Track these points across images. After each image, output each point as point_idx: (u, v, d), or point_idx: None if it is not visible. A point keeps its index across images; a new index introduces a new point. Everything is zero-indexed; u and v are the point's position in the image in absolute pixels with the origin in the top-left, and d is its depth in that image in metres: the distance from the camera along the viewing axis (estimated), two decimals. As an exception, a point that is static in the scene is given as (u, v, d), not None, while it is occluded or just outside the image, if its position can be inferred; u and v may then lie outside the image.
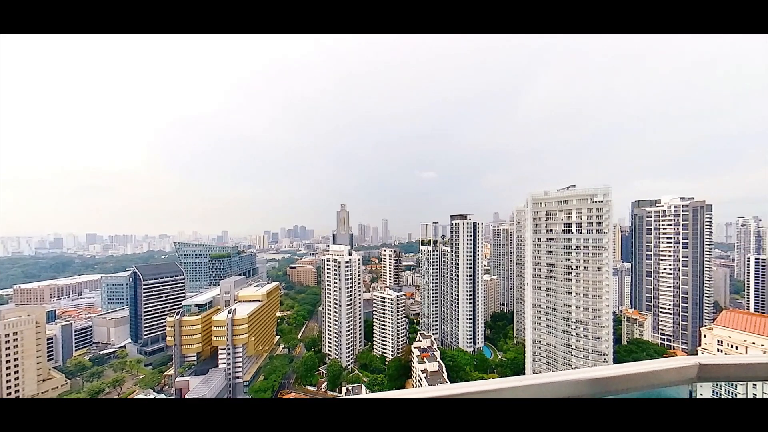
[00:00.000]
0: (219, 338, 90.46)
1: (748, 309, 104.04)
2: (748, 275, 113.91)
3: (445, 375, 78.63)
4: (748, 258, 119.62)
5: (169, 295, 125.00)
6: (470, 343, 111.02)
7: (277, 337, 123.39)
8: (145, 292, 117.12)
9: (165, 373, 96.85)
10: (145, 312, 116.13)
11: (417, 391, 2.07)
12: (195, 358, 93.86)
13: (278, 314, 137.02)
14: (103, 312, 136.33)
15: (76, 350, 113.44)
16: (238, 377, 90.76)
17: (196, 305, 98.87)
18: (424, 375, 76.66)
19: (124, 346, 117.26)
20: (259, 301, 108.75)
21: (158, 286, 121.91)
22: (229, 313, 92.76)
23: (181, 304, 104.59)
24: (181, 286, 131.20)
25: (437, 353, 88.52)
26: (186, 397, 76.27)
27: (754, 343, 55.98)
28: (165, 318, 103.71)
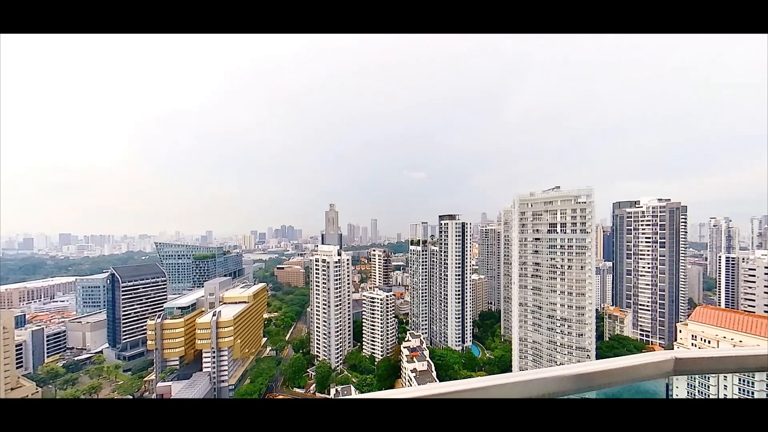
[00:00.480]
0: (203, 341, 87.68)
1: (719, 305, 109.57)
2: (720, 273, 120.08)
3: (434, 374, 79.01)
4: (720, 257, 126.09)
5: (150, 298, 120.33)
6: (459, 341, 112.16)
7: (264, 339, 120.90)
8: (123, 295, 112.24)
9: (145, 379, 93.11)
10: (124, 315, 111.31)
11: (406, 390, 2.06)
12: (177, 363, 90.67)
13: (265, 316, 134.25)
14: (78, 316, 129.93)
15: (48, 356, 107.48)
16: (223, 381, 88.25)
17: (179, 308, 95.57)
18: (414, 374, 76.82)
19: (101, 352, 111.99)
20: (245, 302, 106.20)
21: (138, 289, 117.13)
22: (213, 315, 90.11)
23: (162, 306, 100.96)
24: (163, 288, 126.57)
25: (426, 352, 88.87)
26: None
27: (725, 338, 58.80)
28: (145, 321, 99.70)
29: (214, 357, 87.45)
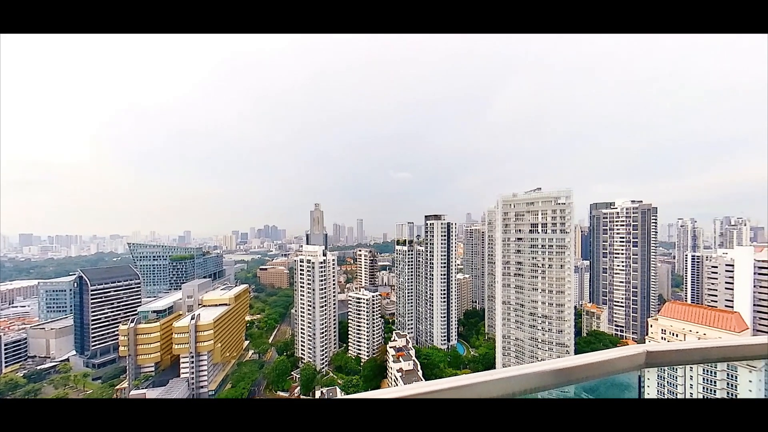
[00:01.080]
0: (181, 346, 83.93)
1: (686, 301, 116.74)
2: (686, 270, 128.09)
3: (420, 373, 79.40)
4: (686, 255, 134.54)
5: (122, 301, 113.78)
6: (444, 340, 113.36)
7: (247, 342, 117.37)
8: (93, 299, 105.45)
9: (117, 387, 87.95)
10: (93, 320, 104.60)
11: (392, 390, 2.09)
12: (153, 369, 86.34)
13: (247, 318, 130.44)
14: (41, 322, 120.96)
15: (6, 366, 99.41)
16: (202, 387, 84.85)
17: (154, 311, 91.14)
18: (400, 374, 76.83)
19: (68, 360, 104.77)
20: (226, 305, 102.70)
21: (109, 292, 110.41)
22: (192, 318, 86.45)
23: (136, 310, 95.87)
24: (137, 291, 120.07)
25: (412, 352, 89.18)
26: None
27: (690, 331, 62.53)
28: (117, 326, 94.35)
29: (192, 362, 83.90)
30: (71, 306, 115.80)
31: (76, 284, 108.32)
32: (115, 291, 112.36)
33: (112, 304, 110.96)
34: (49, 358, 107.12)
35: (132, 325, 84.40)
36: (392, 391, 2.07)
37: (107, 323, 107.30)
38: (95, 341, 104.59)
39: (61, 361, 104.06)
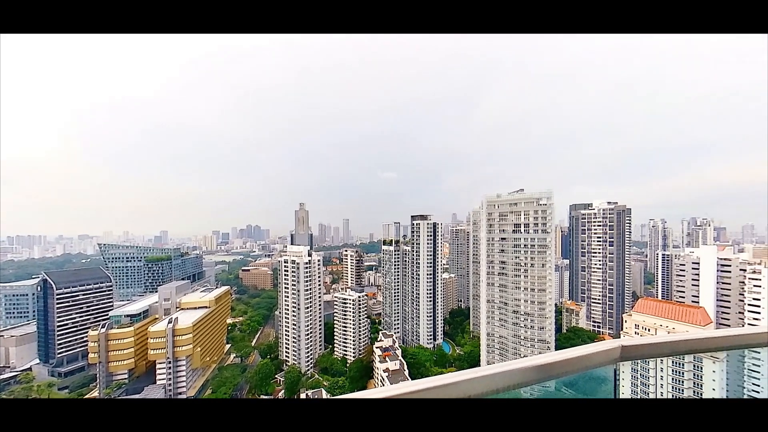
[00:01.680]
0: (157, 351, 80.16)
1: (657, 297, 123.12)
2: (657, 268, 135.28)
3: (406, 372, 79.38)
4: (657, 254, 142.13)
5: (92, 306, 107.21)
6: (430, 339, 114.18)
7: (228, 345, 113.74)
8: (59, 303, 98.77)
9: (86, 396, 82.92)
10: (59, 326, 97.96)
11: (378, 390, 2.10)
12: (126, 376, 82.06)
13: (229, 321, 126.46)
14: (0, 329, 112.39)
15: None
16: (180, 393, 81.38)
17: (128, 315, 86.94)
18: (386, 374, 76.57)
19: (30, 369, 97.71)
20: (206, 307, 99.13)
21: (77, 295, 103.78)
22: (169, 322, 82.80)
23: (108, 315, 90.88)
24: (108, 295, 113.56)
25: (399, 352, 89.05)
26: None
27: (661, 326, 66.01)
28: (86, 332, 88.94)
29: (169, 368, 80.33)
30: (34, 311, 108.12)
31: (39, 288, 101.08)
32: (84, 294, 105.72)
33: (81, 308, 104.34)
34: (9, 367, 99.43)
35: (103, 330, 79.99)
36: (379, 391, 2.06)
37: (75, 329, 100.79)
38: (62, 348, 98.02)
39: (23, 370, 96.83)
